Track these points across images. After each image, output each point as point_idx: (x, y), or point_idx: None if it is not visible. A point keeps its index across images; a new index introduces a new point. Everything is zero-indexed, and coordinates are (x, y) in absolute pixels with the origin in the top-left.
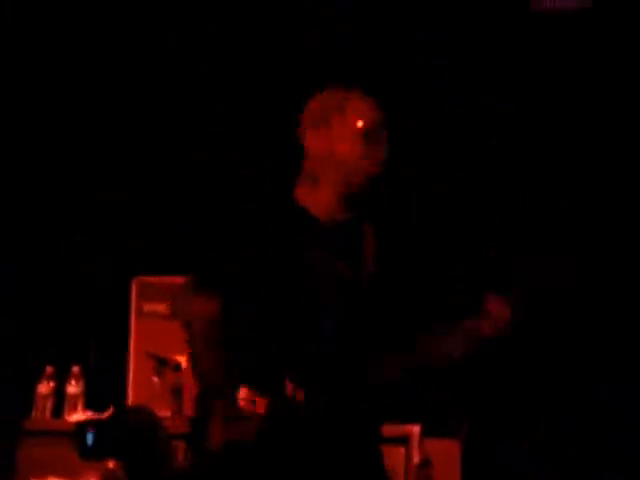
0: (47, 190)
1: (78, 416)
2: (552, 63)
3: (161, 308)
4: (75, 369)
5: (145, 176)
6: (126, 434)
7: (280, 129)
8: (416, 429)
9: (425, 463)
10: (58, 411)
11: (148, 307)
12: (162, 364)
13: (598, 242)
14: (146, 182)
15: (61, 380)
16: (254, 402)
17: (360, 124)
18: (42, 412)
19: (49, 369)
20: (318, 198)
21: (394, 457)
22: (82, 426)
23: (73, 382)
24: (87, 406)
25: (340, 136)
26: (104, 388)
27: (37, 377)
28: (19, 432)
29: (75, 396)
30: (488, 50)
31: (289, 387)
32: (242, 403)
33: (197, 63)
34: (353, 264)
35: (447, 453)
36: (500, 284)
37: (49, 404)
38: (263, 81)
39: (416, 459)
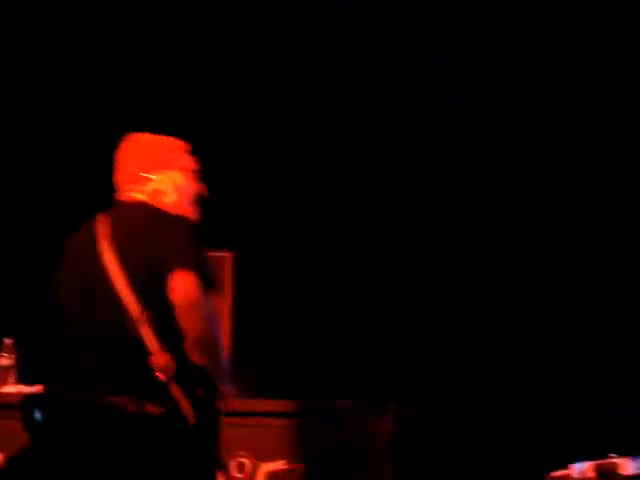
0: (47, 190)
1: (9, 389)
2: (552, 63)
3: None
4: (8, 341)
5: None
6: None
7: (280, 129)
8: (348, 404)
9: (356, 439)
10: None
11: None
12: None
13: (580, 235)
14: None
15: None
16: None
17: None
18: None
19: None
20: None
21: (324, 432)
22: (28, 401)
23: (5, 354)
24: (19, 379)
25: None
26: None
27: None
28: None
29: (7, 368)
30: (488, 50)
31: None
32: None
33: (197, 63)
34: None
35: (378, 430)
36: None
37: None
38: (263, 81)
39: (346, 435)
